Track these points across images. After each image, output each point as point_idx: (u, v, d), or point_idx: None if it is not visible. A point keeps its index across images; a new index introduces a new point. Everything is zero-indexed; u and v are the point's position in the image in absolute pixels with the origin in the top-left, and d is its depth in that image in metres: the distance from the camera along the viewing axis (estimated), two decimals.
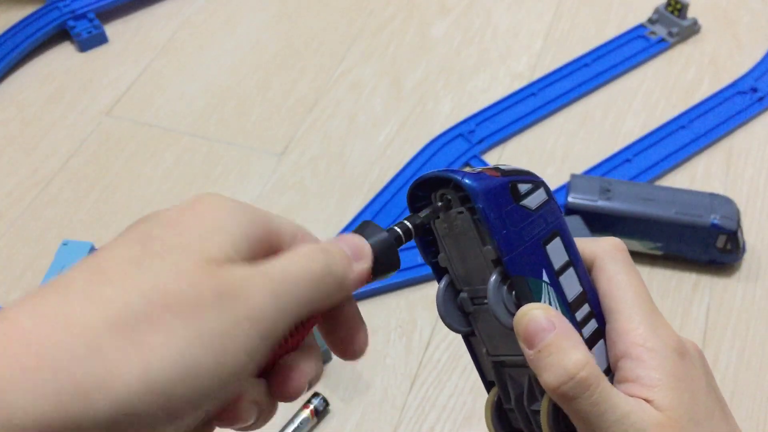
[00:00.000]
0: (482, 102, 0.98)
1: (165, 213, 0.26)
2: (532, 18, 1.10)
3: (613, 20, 1.09)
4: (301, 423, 0.68)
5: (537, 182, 0.32)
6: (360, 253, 0.29)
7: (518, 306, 0.31)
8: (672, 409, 0.30)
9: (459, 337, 0.82)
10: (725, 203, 0.78)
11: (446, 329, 0.76)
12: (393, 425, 0.70)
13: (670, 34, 1.04)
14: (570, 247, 0.32)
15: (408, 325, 0.77)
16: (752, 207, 0.85)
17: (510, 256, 0.30)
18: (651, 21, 1.06)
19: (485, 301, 0.32)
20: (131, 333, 0.22)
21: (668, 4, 1.05)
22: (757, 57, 1.02)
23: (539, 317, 0.30)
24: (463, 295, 0.33)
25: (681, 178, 0.89)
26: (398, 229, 0.30)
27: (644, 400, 0.30)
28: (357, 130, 0.95)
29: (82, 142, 0.96)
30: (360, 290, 0.78)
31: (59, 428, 0.21)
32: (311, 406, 0.69)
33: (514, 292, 0.31)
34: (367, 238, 0.29)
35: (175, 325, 0.23)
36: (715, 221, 0.76)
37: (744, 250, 0.79)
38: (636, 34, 1.05)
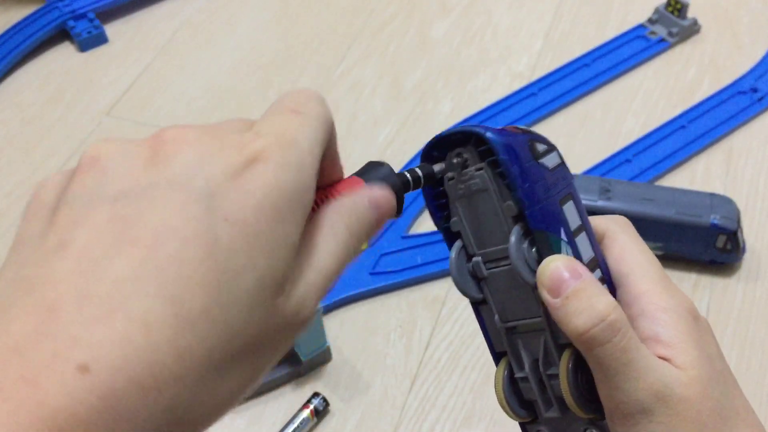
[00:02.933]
0: (482, 102, 0.98)
1: (114, 170, 0.23)
2: (532, 18, 1.10)
3: (613, 20, 1.09)
4: (301, 423, 0.68)
5: (552, 145, 0.32)
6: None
7: (539, 262, 0.31)
8: (692, 368, 0.30)
9: (459, 337, 0.83)
10: (725, 203, 0.78)
11: (446, 329, 0.76)
12: (393, 425, 0.70)
13: (670, 34, 1.04)
14: (582, 213, 0.33)
15: (408, 325, 0.77)
16: (752, 207, 0.85)
17: (532, 210, 0.30)
18: (651, 21, 1.06)
19: (501, 263, 0.32)
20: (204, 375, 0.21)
21: (668, 4, 1.05)
22: (757, 57, 1.02)
23: (566, 265, 0.30)
24: (476, 259, 0.33)
25: (681, 178, 0.89)
26: (408, 175, 0.30)
27: (662, 358, 0.30)
28: (357, 130, 0.95)
29: (82, 142, 0.96)
30: (360, 290, 0.78)
31: None
32: (311, 406, 0.69)
33: (534, 249, 0.31)
34: (370, 180, 0.28)
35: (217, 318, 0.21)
36: (715, 221, 0.76)
37: (744, 250, 0.79)
38: (636, 34, 1.05)
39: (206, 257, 0.21)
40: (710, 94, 0.97)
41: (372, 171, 0.29)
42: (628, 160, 0.89)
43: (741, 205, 0.81)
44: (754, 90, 0.96)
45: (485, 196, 0.31)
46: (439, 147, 0.32)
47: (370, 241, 0.29)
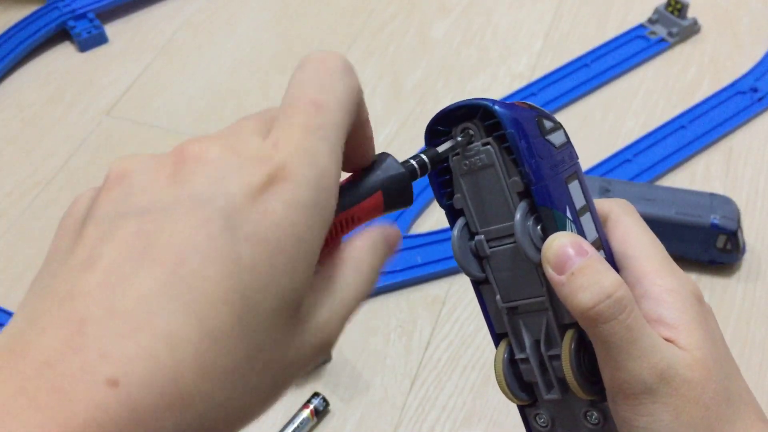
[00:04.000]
0: None
1: (140, 194, 0.23)
2: (532, 18, 1.10)
3: (613, 20, 1.09)
4: (301, 423, 0.68)
5: (558, 123, 0.32)
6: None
7: (543, 239, 0.30)
8: (697, 350, 0.30)
9: (459, 337, 0.83)
10: (725, 203, 0.78)
11: (446, 329, 0.76)
12: (393, 425, 0.70)
13: (670, 34, 1.04)
14: (586, 193, 0.32)
15: (408, 325, 0.77)
16: (752, 207, 0.85)
17: (538, 185, 0.30)
18: (651, 21, 1.06)
19: (504, 241, 0.32)
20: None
21: (668, 4, 1.05)
22: (757, 57, 1.02)
23: (571, 242, 0.30)
24: (479, 237, 0.32)
25: (681, 178, 0.89)
26: (414, 163, 0.29)
27: (666, 339, 0.30)
28: None
29: (82, 142, 0.96)
30: None
31: None
32: (311, 406, 0.69)
33: (539, 226, 0.30)
34: (379, 170, 0.28)
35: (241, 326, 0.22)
36: (715, 221, 0.76)
37: (744, 250, 0.79)
38: (636, 34, 1.05)
39: (228, 276, 0.22)
40: (710, 94, 0.97)
41: (379, 168, 0.28)
42: (628, 160, 0.89)
43: (741, 205, 0.81)
44: (754, 90, 0.96)
45: (491, 171, 0.31)
46: (444, 122, 0.31)
47: None
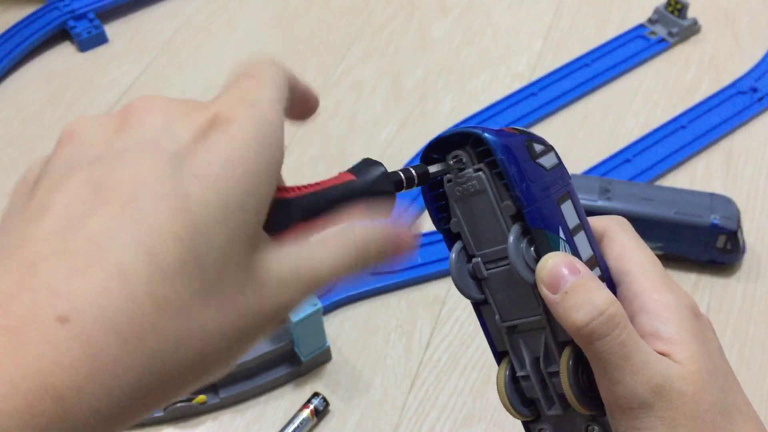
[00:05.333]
0: (482, 102, 0.98)
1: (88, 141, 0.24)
2: (532, 18, 1.10)
3: (613, 20, 1.09)
4: (301, 423, 0.68)
5: (549, 146, 0.33)
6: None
7: (537, 260, 0.31)
8: (692, 363, 0.30)
9: (459, 337, 0.83)
10: (725, 203, 0.78)
11: (446, 329, 0.76)
12: (393, 425, 0.70)
13: (670, 34, 1.04)
14: (580, 212, 0.33)
15: (408, 325, 0.77)
16: (752, 207, 0.85)
17: (530, 208, 0.30)
18: (651, 21, 1.06)
19: (500, 263, 0.32)
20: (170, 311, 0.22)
21: (668, 4, 1.05)
22: (757, 57, 1.02)
23: (564, 261, 0.30)
24: (476, 260, 0.33)
25: (681, 178, 0.89)
26: (401, 175, 0.30)
27: (662, 354, 0.30)
28: (357, 130, 0.95)
29: None
30: (360, 290, 0.78)
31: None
32: (311, 406, 0.69)
33: (533, 248, 0.31)
34: (362, 177, 0.29)
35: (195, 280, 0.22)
36: (715, 221, 0.76)
37: (744, 250, 0.79)
38: (636, 34, 1.05)
39: (178, 212, 0.22)
40: (710, 94, 0.97)
41: (365, 169, 0.29)
42: (628, 160, 0.89)
43: (741, 205, 0.81)
44: (754, 90, 0.96)
45: (483, 196, 0.32)
46: (437, 149, 0.32)
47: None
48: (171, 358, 0.22)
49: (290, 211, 0.27)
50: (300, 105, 0.29)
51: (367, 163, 0.29)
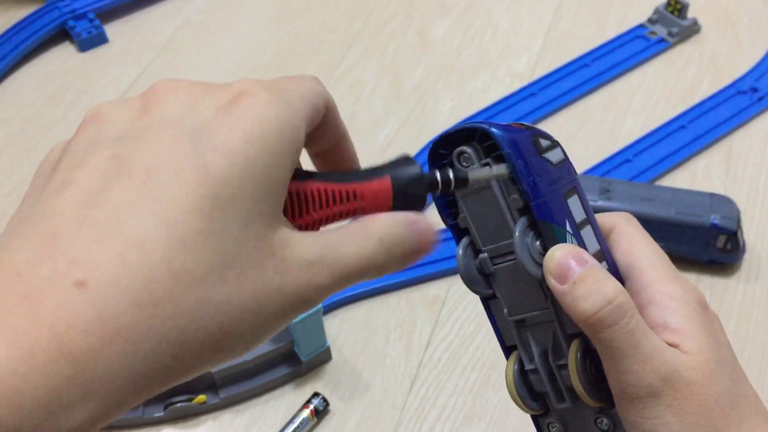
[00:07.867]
0: (482, 102, 0.98)
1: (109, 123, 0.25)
2: (532, 18, 1.10)
3: (613, 20, 1.09)
4: (301, 423, 0.68)
5: (555, 141, 0.33)
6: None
7: (543, 254, 0.31)
8: (700, 354, 0.30)
9: (459, 337, 0.83)
10: (725, 203, 0.78)
11: (446, 329, 0.76)
12: (393, 425, 0.70)
13: (670, 34, 1.04)
14: (586, 207, 0.33)
15: (408, 325, 0.77)
16: (752, 207, 0.85)
17: (537, 201, 0.31)
18: (651, 21, 1.06)
19: (508, 257, 0.32)
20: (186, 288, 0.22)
21: (668, 4, 1.05)
22: (757, 57, 1.02)
23: (572, 253, 0.30)
24: (483, 255, 0.33)
25: (681, 178, 0.89)
26: (438, 177, 0.28)
27: (670, 344, 0.31)
28: (357, 129, 0.95)
29: None
30: (360, 290, 0.78)
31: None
32: (311, 406, 0.69)
33: (539, 241, 0.31)
34: (397, 177, 0.27)
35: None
36: (715, 221, 0.76)
37: (744, 250, 0.79)
38: (636, 34, 1.05)
39: (198, 185, 0.22)
40: (710, 94, 0.97)
41: (400, 167, 0.28)
42: (628, 160, 0.89)
43: (741, 205, 0.81)
44: (754, 90, 0.96)
45: (490, 191, 0.32)
46: (444, 145, 0.32)
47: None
48: (188, 328, 0.22)
49: (313, 201, 0.27)
50: (326, 134, 0.29)
51: (403, 161, 0.28)
